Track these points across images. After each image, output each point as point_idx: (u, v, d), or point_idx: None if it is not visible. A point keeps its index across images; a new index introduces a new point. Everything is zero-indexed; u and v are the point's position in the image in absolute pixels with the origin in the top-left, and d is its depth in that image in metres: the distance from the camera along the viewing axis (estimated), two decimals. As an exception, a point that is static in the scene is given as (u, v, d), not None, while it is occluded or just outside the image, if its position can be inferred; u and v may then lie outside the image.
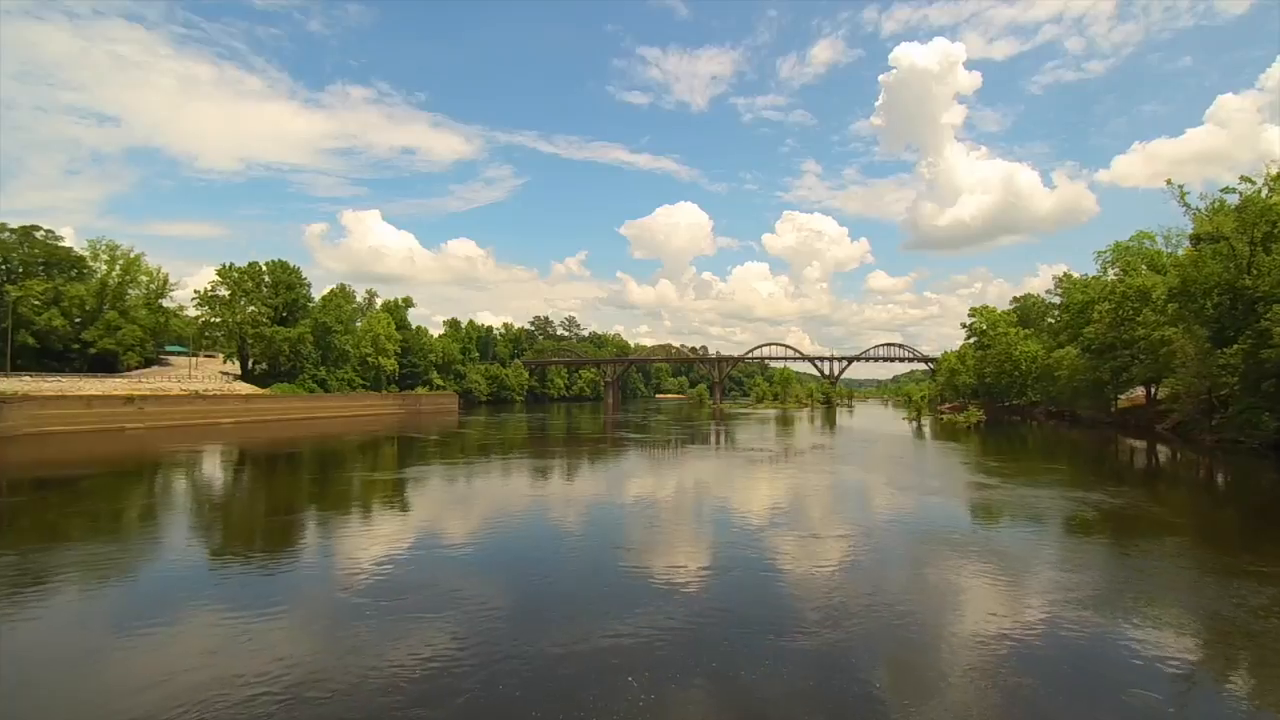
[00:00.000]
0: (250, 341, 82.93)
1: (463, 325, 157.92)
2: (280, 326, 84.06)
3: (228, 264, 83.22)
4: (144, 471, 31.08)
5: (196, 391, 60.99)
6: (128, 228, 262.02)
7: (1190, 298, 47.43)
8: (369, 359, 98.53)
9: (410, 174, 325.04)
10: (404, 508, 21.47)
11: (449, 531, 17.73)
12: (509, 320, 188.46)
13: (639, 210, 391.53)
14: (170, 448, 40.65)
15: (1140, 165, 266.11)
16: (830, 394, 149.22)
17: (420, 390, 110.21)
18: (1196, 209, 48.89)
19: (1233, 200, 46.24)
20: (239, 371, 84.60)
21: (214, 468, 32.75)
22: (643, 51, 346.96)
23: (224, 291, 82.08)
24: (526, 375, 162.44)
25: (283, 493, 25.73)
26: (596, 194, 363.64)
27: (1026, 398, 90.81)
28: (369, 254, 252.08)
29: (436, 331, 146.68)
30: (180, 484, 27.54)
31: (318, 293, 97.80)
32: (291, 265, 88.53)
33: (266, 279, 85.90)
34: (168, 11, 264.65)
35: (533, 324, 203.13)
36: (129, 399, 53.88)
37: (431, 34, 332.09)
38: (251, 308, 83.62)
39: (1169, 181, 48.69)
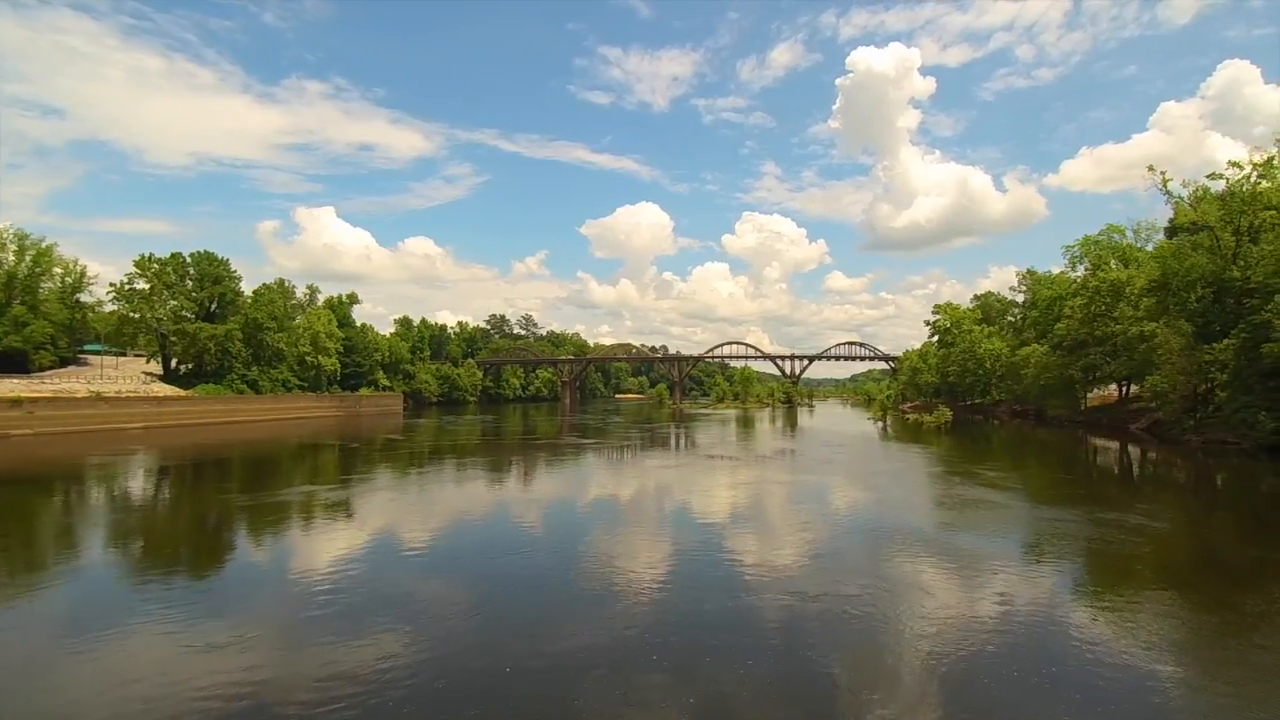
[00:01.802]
0: (172, 339, 76.31)
1: (415, 323, 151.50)
2: (206, 323, 77.63)
3: (147, 254, 76.45)
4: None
5: (98, 393, 54.77)
6: (72, 224, 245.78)
7: (1170, 291, 45.23)
8: (307, 358, 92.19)
9: (368, 171, 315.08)
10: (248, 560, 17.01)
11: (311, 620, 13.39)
12: (466, 319, 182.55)
13: (600, 210, 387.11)
14: (52, 456, 35.25)
15: (1088, 170, 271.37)
16: (791, 393, 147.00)
17: (364, 391, 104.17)
18: (1179, 197, 46.65)
19: (1217, 188, 44.05)
20: (163, 372, 78.04)
21: (72, 483, 27.59)
22: (604, 51, 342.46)
23: (142, 284, 75.28)
24: (480, 375, 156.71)
25: (106, 529, 20.95)
26: (558, 193, 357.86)
27: (990, 396, 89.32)
28: (324, 251, 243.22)
29: (391, 331, 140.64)
30: (16, 505, 22.52)
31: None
32: (219, 257, 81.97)
33: (191, 271, 79.19)
34: (116, 1, 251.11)
35: (488, 323, 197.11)
36: (16, 401, 47.67)
37: (391, 29, 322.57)
38: (174, 302, 76.96)
39: (1151, 168, 46.34)
